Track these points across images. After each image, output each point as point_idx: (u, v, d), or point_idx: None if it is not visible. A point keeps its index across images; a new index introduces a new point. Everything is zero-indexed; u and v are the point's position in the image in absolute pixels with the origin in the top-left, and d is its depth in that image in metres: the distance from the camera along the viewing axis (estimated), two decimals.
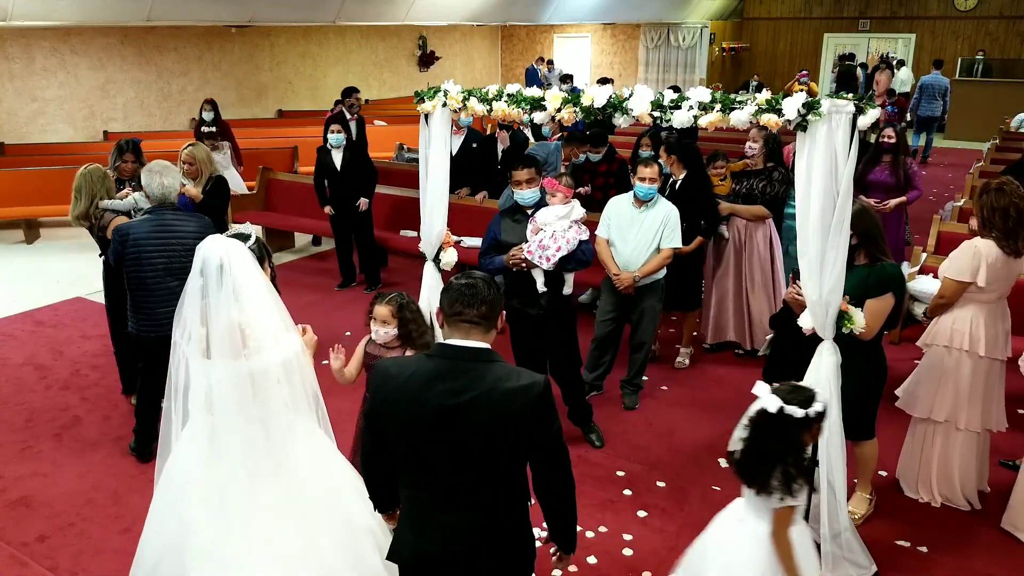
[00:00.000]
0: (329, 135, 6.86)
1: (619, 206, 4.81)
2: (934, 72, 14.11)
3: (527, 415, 2.09)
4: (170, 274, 4.09)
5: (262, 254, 2.83)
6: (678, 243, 4.71)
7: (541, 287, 4.28)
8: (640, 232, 4.70)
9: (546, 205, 4.31)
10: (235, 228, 2.89)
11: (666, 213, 4.69)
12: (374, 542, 2.78)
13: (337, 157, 6.90)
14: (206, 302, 2.53)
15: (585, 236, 4.28)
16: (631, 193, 4.76)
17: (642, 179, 4.61)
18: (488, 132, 8.70)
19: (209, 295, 2.52)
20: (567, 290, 4.38)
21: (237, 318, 2.51)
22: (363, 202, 7.00)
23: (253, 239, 2.82)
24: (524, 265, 4.23)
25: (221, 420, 2.64)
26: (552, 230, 4.21)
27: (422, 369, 2.16)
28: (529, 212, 4.34)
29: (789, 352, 4.62)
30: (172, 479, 2.79)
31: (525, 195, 4.33)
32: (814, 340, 4.06)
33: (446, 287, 2.24)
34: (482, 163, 7.33)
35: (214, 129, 8.56)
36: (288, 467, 2.71)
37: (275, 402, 2.65)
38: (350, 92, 8.24)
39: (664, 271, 4.79)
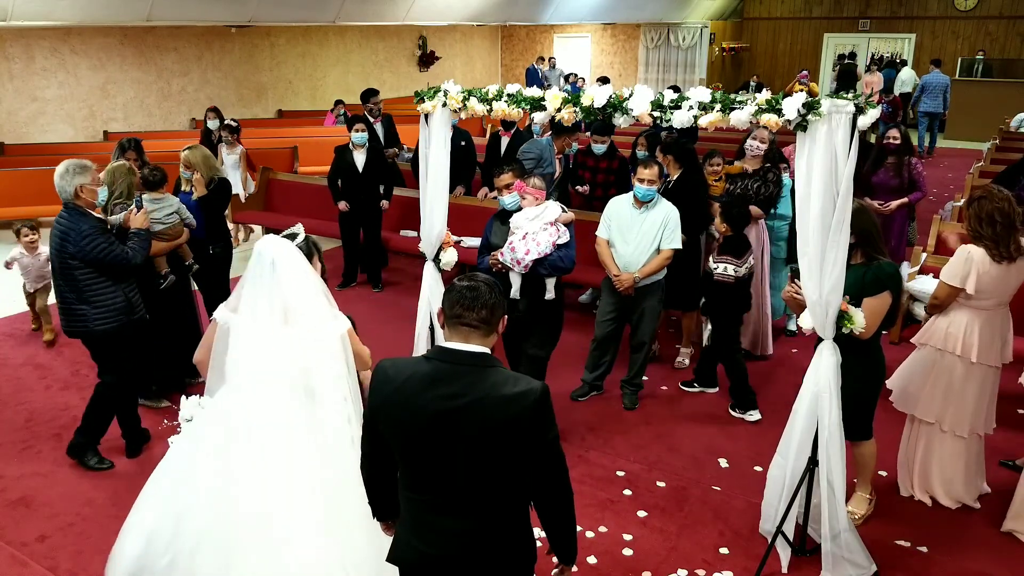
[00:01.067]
0: (353, 134, 6.83)
1: (619, 207, 4.81)
2: (934, 71, 14.27)
3: (523, 421, 2.07)
4: (60, 270, 4.07)
5: (310, 250, 3.07)
6: (678, 244, 4.71)
7: (515, 292, 4.24)
8: (640, 233, 4.70)
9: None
10: (288, 229, 3.10)
11: (666, 214, 4.68)
12: None
13: (359, 157, 6.88)
14: (259, 289, 2.83)
15: (564, 239, 4.24)
16: (631, 194, 4.76)
17: (641, 180, 4.60)
18: (490, 132, 8.68)
19: (262, 283, 2.82)
20: (548, 295, 4.34)
21: (287, 303, 2.82)
22: (384, 204, 7.06)
23: (301, 237, 3.05)
24: (501, 267, 4.22)
25: (263, 387, 2.85)
26: (524, 232, 4.19)
27: (420, 372, 2.14)
28: None
29: (726, 333, 4.83)
30: (206, 455, 2.93)
31: (506, 200, 4.34)
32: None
33: (448, 288, 2.22)
34: (487, 163, 7.37)
35: (234, 126, 8.52)
36: (323, 430, 2.87)
37: (320, 376, 2.86)
38: (369, 96, 8.04)
39: (664, 271, 4.79)
